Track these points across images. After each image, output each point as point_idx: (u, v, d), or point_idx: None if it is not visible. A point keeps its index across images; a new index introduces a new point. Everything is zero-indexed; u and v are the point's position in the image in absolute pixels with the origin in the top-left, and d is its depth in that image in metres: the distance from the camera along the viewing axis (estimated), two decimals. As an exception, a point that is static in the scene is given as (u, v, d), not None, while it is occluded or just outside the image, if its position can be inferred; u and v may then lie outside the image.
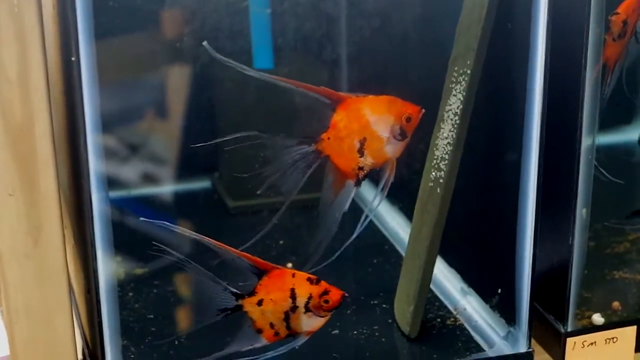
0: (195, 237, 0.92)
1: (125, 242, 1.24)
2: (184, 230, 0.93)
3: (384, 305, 1.13)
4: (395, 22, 1.26)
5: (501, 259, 1.06)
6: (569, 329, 1.08)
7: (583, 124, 1.03)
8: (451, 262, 1.19)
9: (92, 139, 0.87)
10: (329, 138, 0.94)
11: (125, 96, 1.34)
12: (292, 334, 0.96)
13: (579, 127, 1.03)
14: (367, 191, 1.00)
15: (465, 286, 1.16)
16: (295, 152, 0.93)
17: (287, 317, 0.95)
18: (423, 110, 0.95)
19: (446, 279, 1.19)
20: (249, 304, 0.95)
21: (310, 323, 0.96)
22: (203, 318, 0.95)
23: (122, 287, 1.17)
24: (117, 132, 1.34)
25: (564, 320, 1.08)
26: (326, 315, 0.96)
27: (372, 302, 1.14)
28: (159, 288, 1.18)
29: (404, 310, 1.08)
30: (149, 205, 1.35)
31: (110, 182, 1.34)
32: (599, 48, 1.01)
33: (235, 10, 1.29)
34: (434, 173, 1.04)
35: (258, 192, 0.93)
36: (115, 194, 1.35)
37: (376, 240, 1.31)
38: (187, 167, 1.40)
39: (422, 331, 1.08)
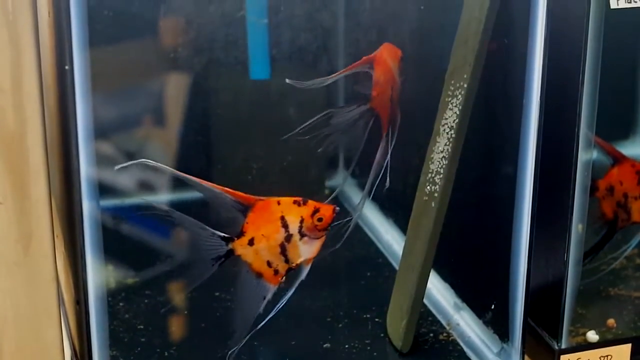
0: (175, 173, 0.93)
1: (117, 251, 1.24)
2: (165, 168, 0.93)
3: (377, 319, 1.13)
4: (392, 35, 1.25)
5: (495, 274, 1.06)
6: (563, 346, 1.08)
7: (580, 139, 1.02)
8: (445, 277, 1.19)
9: (84, 148, 0.87)
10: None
11: (119, 105, 1.34)
12: (292, 267, 0.94)
13: (575, 142, 1.02)
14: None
15: (458, 301, 1.15)
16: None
17: (283, 249, 0.93)
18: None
19: (440, 293, 1.18)
20: (240, 247, 0.92)
21: (307, 249, 0.94)
22: (200, 271, 0.93)
23: (113, 297, 1.16)
24: (109, 141, 1.33)
25: (557, 337, 1.08)
26: (321, 236, 0.94)
27: (364, 316, 1.14)
28: (150, 298, 1.17)
29: (396, 324, 1.08)
30: (144, 215, 1.34)
31: (103, 191, 1.33)
32: (597, 63, 1.00)
33: (232, 20, 1.28)
34: (428, 187, 1.04)
35: None
36: (108, 202, 1.34)
37: (369, 253, 1.31)
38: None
39: (415, 346, 1.07)
